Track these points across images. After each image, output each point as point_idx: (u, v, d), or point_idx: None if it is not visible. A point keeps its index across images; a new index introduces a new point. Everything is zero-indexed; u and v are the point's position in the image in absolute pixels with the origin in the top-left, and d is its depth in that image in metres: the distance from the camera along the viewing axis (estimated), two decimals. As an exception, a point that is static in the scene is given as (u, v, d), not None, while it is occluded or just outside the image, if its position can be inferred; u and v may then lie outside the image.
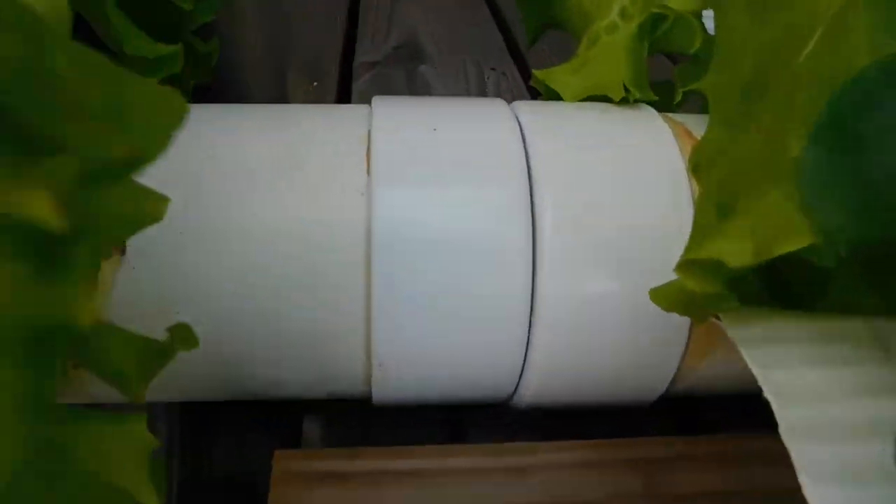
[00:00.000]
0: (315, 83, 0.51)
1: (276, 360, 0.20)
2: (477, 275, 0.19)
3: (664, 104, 0.24)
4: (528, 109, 0.22)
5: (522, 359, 0.21)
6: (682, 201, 0.20)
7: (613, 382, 0.22)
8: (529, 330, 0.20)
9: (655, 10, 0.21)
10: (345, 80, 0.52)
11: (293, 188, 0.19)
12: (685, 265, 0.14)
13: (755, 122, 0.17)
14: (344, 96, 0.49)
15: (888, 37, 0.14)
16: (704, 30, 0.22)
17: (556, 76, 0.23)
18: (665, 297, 0.16)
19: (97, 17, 0.21)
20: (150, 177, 0.19)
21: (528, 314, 0.20)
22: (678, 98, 0.24)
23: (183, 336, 0.15)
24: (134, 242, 0.18)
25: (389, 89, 0.50)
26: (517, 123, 0.21)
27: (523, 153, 0.20)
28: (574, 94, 0.22)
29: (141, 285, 0.18)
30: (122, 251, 0.18)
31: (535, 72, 0.24)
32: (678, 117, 0.23)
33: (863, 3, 0.14)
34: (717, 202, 0.18)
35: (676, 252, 0.20)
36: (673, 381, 0.22)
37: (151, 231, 0.19)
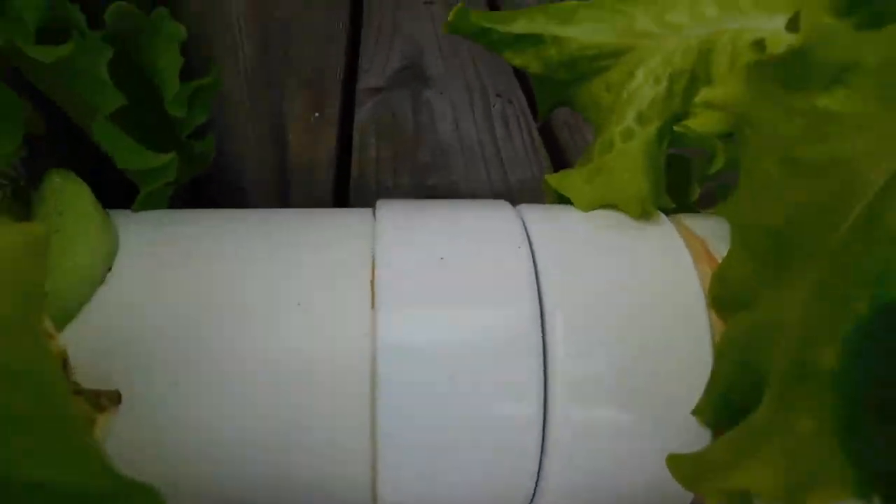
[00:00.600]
0: (316, 114, 0.49)
1: (280, 498, 0.19)
2: (486, 410, 0.19)
3: (678, 189, 0.23)
4: (539, 226, 0.21)
5: (533, 488, 0.20)
6: (699, 333, 0.19)
7: (627, 504, 0.21)
8: (541, 460, 0.20)
9: (676, 129, 0.20)
10: (347, 107, 0.50)
11: (295, 328, 0.18)
12: (713, 491, 0.13)
13: (786, 284, 0.16)
14: (346, 127, 0.48)
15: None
16: (728, 148, 0.21)
17: (569, 184, 0.22)
18: (684, 476, 0.15)
19: (91, 133, 0.20)
20: (171, 308, 0.18)
21: (540, 445, 0.19)
22: (695, 196, 0.23)
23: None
24: (129, 388, 0.18)
25: (394, 119, 0.49)
26: (527, 244, 0.20)
27: (534, 280, 0.19)
28: (588, 205, 0.21)
29: (138, 438, 0.18)
30: (118, 402, 0.17)
31: (547, 177, 0.23)
32: (696, 223, 0.22)
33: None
34: (740, 361, 0.17)
35: (693, 384, 0.19)
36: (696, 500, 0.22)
37: (147, 381, 0.18)
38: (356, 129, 0.47)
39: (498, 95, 0.53)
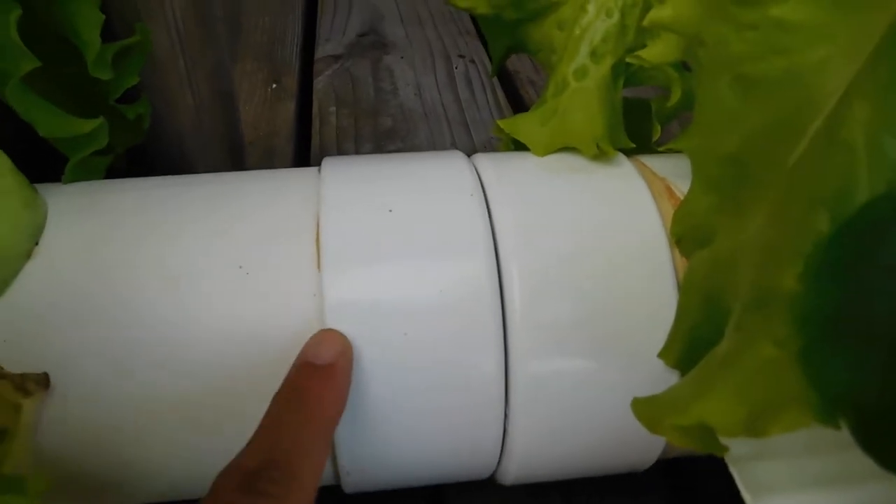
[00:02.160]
0: (274, 85, 0.48)
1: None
2: (445, 366, 0.18)
3: (639, 134, 0.22)
4: (492, 172, 0.20)
5: (501, 440, 0.19)
6: (662, 273, 0.19)
7: (600, 456, 0.20)
8: (506, 410, 0.19)
9: (629, 60, 0.19)
10: (305, 75, 0.49)
11: (239, 295, 0.17)
12: (672, 429, 0.12)
13: (745, 212, 0.15)
14: (305, 97, 0.47)
15: (886, 132, 0.12)
16: (684, 79, 0.20)
17: (522, 127, 0.21)
18: (648, 418, 0.14)
19: (4, 98, 0.18)
20: (105, 281, 0.17)
21: (503, 395, 0.19)
22: (656, 136, 0.22)
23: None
24: (61, 368, 0.17)
25: (354, 86, 0.47)
26: (480, 191, 0.19)
27: (487, 226, 0.18)
28: (543, 149, 0.20)
29: (77, 419, 0.17)
30: (46, 385, 0.16)
31: (499, 121, 0.22)
32: (658, 163, 0.21)
33: (862, 96, 0.13)
34: (703, 295, 0.16)
35: (658, 326, 0.18)
36: (666, 448, 0.21)
37: (81, 359, 0.17)
38: (315, 99, 0.46)
39: (460, 56, 0.51)
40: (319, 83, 0.48)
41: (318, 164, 0.37)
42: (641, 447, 0.20)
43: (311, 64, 0.50)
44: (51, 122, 0.19)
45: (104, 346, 0.17)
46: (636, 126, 0.22)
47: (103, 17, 0.19)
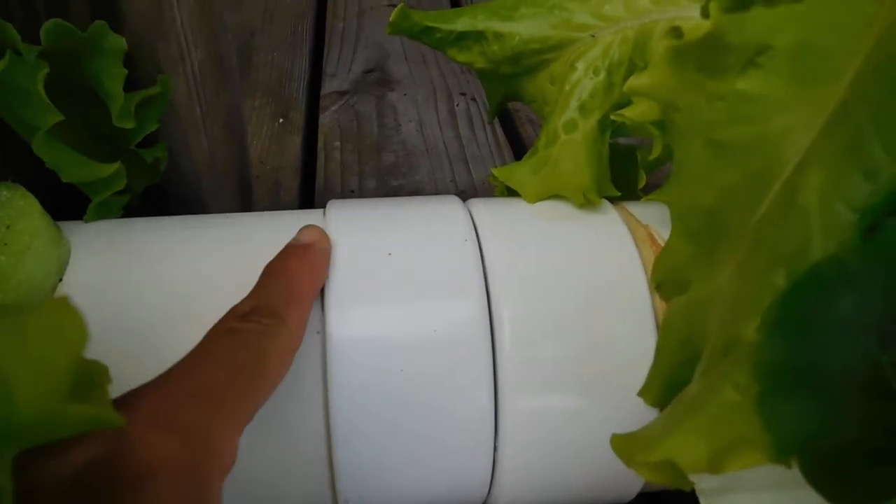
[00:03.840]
0: (280, 120, 0.50)
1: (241, 500, 0.19)
2: (438, 400, 0.19)
3: (626, 180, 0.24)
4: (487, 218, 0.21)
5: (490, 472, 0.21)
6: (642, 317, 0.20)
7: (586, 488, 0.22)
8: (496, 445, 0.20)
9: (613, 118, 0.20)
10: (312, 110, 0.51)
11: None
12: (642, 465, 0.13)
13: (717, 263, 0.16)
14: (311, 131, 0.48)
15: (837, 198, 0.13)
16: (664, 135, 0.21)
17: (515, 175, 0.22)
18: (624, 454, 0.15)
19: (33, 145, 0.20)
20: (121, 316, 0.18)
21: (493, 430, 0.20)
22: (642, 183, 0.24)
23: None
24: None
25: (358, 122, 0.49)
26: (474, 237, 0.21)
27: (480, 270, 0.20)
28: (535, 196, 0.22)
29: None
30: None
31: (494, 170, 0.23)
32: (641, 210, 0.23)
33: (817, 163, 0.14)
34: (680, 340, 0.17)
35: (639, 367, 0.19)
36: (648, 483, 0.22)
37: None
38: (321, 134, 0.48)
39: (462, 94, 0.53)
40: (325, 118, 0.49)
41: (323, 198, 0.38)
42: (624, 480, 0.21)
43: (317, 99, 0.52)
44: (73, 169, 0.20)
45: (119, 378, 0.18)
46: (623, 172, 0.24)
47: (126, 71, 0.21)
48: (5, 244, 0.18)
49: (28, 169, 0.21)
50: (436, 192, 0.43)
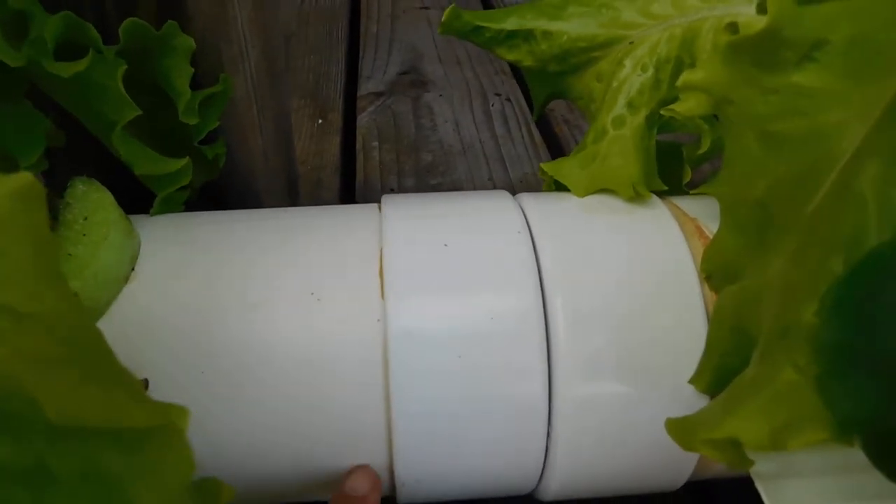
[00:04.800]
0: (319, 121, 0.51)
1: (304, 482, 0.20)
2: (494, 387, 0.20)
3: (671, 176, 0.24)
4: (537, 211, 0.22)
5: (543, 459, 0.21)
6: (693, 306, 0.20)
7: (635, 476, 0.22)
8: (548, 431, 0.21)
9: (662, 113, 0.21)
10: (349, 112, 0.52)
11: (312, 319, 0.19)
12: (705, 444, 0.14)
13: (768, 253, 0.17)
14: (350, 132, 0.49)
15: (893, 186, 0.14)
16: (713, 129, 0.22)
17: (564, 170, 0.23)
18: (681, 436, 0.16)
19: (109, 143, 0.21)
20: (191, 303, 0.19)
21: (547, 416, 0.20)
22: (687, 178, 0.24)
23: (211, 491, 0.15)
24: (156, 380, 0.19)
25: (395, 122, 0.50)
26: (527, 229, 0.21)
27: (534, 264, 0.20)
28: (583, 190, 0.22)
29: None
30: (145, 389, 0.18)
31: (543, 165, 0.24)
32: (689, 205, 0.23)
33: (873, 153, 0.14)
34: (731, 327, 0.18)
35: (689, 356, 0.20)
36: (696, 471, 0.22)
37: (169, 374, 0.19)
38: (359, 134, 0.49)
39: (497, 94, 0.54)
40: (363, 119, 0.50)
41: (363, 196, 0.39)
42: (672, 468, 0.22)
43: (354, 100, 0.53)
44: (146, 163, 0.21)
45: (187, 363, 0.19)
46: (669, 169, 0.24)
47: (193, 69, 0.22)
48: (83, 234, 0.19)
49: (87, 167, 0.22)
50: (473, 190, 0.43)
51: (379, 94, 0.54)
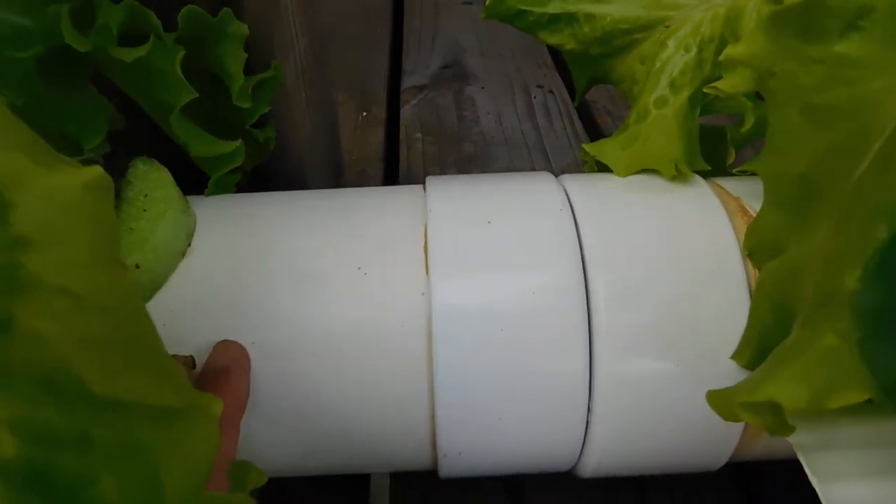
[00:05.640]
0: (364, 113, 0.52)
1: (350, 452, 0.21)
2: (535, 362, 0.20)
3: (716, 158, 0.24)
4: (579, 190, 0.22)
5: (583, 435, 0.21)
6: (735, 283, 0.20)
7: (675, 454, 0.22)
8: (589, 407, 0.21)
9: (706, 90, 0.21)
10: (393, 106, 0.52)
11: (358, 293, 0.20)
12: (743, 407, 0.14)
13: (811, 226, 0.17)
14: (393, 124, 0.50)
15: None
16: (757, 108, 0.21)
17: (606, 151, 0.23)
18: (721, 405, 0.16)
19: (167, 126, 0.22)
20: (243, 278, 0.20)
21: (587, 393, 0.20)
22: (731, 160, 0.24)
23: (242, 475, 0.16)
24: (205, 357, 0.20)
25: (438, 115, 0.51)
26: (568, 207, 0.21)
27: (576, 241, 0.21)
28: (625, 170, 0.23)
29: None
30: (192, 367, 0.19)
31: (585, 145, 0.24)
32: (732, 185, 0.23)
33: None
34: (773, 302, 0.18)
35: (731, 333, 0.20)
36: (737, 451, 0.22)
37: (227, 337, 0.20)
38: (402, 126, 0.49)
39: (539, 86, 0.54)
40: (406, 112, 0.51)
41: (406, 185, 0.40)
42: (712, 447, 0.22)
43: (397, 94, 0.53)
44: (201, 145, 0.22)
45: (239, 334, 0.20)
46: (713, 151, 0.24)
47: (246, 55, 0.23)
48: (144, 210, 0.20)
49: (146, 151, 0.24)
50: (515, 181, 0.44)
51: (422, 88, 0.54)
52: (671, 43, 0.23)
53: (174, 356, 0.19)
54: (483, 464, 0.22)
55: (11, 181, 0.11)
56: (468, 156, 0.46)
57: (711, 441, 0.22)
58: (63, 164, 0.12)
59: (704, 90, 0.21)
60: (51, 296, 0.11)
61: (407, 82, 0.55)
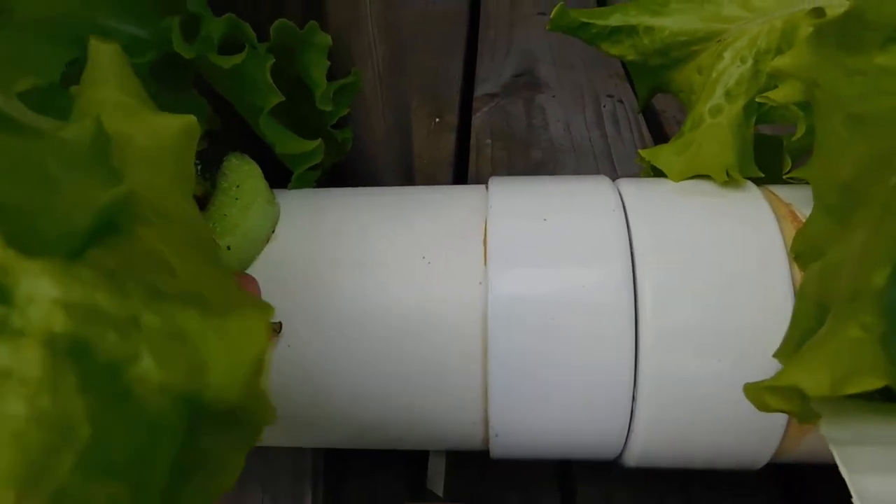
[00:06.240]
0: (437, 119, 0.54)
1: (406, 428, 0.23)
2: (584, 354, 0.21)
3: (773, 167, 0.25)
4: (633, 193, 0.23)
5: (628, 424, 0.22)
6: (781, 284, 0.21)
7: (716, 449, 0.23)
8: (633, 397, 0.22)
9: (759, 100, 0.22)
10: (464, 113, 0.54)
11: (421, 280, 0.22)
12: (768, 389, 0.15)
13: (852, 230, 0.18)
14: (464, 131, 0.52)
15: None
16: (809, 118, 0.22)
17: (661, 156, 0.24)
18: (755, 397, 0.17)
19: (257, 126, 0.24)
20: (319, 263, 0.23)
21: (632, 383, 0.22)
22: (787, 168, 0.25)
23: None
24: (287, 327, 0.22)
25: (508, 122, 0.52)
26: (622, 208, 0.23)
27: (627, 240, 0.22)
28: (679, 175, 0.24)
29: (293, 364, 0.22)
30: (278, 331, 0.22)
31: (641, 151, 0.25)
32: (786, 192, 0.24)
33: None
34: (814, 302, 0.19)
35: (775, 332, 0.21)
36: (779, 450, 0.23)
37: (303, 314, 0.22)
38: (473, 132, 0.51)
39: (608, 96, 0.55)
40: (477, 119, 0.53)
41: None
42: (754, 445, 0.22)
43: (470, 101, 0.55)
44: (286, 143, 0.25)
45: (312, 314, 0.22)
46: (771, 159, 0.25)
47: (329, 63, 0.25)
48: (236, 199, 0.22)
49: (234, 147, 0.26)
50: (580, 187, 0.45)
51: (493, 96, 0.56)
52: (727, 54, 0.23)
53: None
54: (532, 446, 0.23)
55: (127, 119, 0.13)
56: (536, 162, 0.48)
57: (753, 438, 0.22)
58: (163, 112, 0.14)
59: (757, 100, 0.22)
60: (148, 209, 0.12)
61: (480, 90, 0.57)
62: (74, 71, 0.22)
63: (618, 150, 0.48)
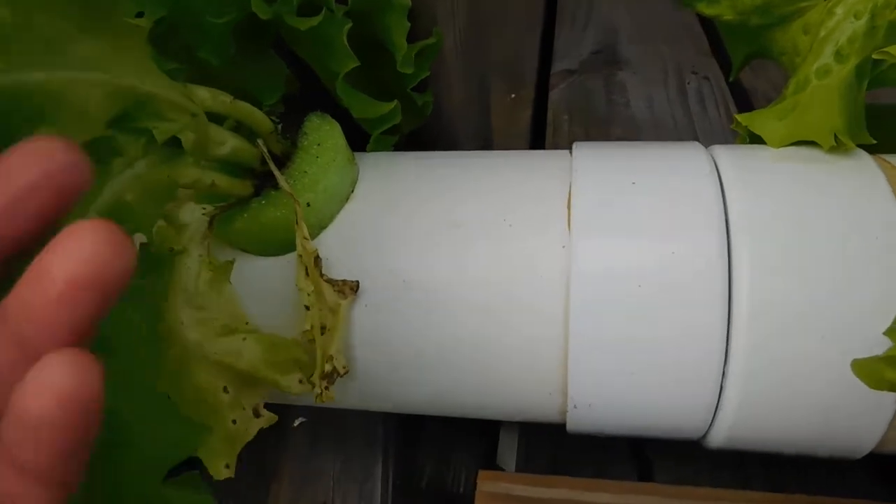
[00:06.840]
0: (513, 95, 0.53)
1: (482, 395, 0.22)
2: (671, 324, 0.20)
3: (889, 139, 0.23)
4: (728, 158, 0.22)
5: (716, 401, 0.21)
6: (893, 255, 0.19)
7: (812, 433, 0.21)
8: (724, 372, 0.21)
9: (875, 56, 0.20)
10: (541, 88, 0.53)
11: (501, 243, 0.21)
12: (885, 361, 0.14)
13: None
14: (540, 107, 0.51)
15: None
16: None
17: (760, 121, 0.23)
18: (868, 373, 0.16)
19: (333, 90, 0.24)
20: (398, 223, 0.22)
21: (723, 357, 0.20)
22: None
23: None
24: (366, 283, 0.22)
25: (587, 99, 0.51)
26: (716, 173, 0.21)
27: (721, 206, 0.21)
28: (780, 141, 0.22)
29: (369, 324, 0.22)
30: (355, 289, 0.21)
31: (737, 115, 0.23)
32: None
33: None
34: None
35: (885, 309, 0.19)
36: (882, 442, 0.21)
37: (380, 274, 0.22)
38: (550, 109, 0.50)
39: (693, 72, 0.52)
40: (554, 95, 0.52)
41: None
42: (856, 431, 0.21)
43: (547, 77, 0.54)
44: (362, 107, 0.24)
45: (392, 271, 0.22)
46: (886, 131, 0.23)
47: (409, 25, 0.25)
48: (317, 157, 0.22)
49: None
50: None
51: (571, 72, 0.54)
52: (839, 10, 0.22)
53: (342, 281, 0.21)
54: (611, 420, 0.22)
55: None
56: (615, 138, 0.46)
57: (854, 423, 0.21)
58: None
59: (874, 56, 0.20)
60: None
61: (557, 66, 0.55)
62: (161, 30, 0.23)
63: (703, 127, 0.46)
